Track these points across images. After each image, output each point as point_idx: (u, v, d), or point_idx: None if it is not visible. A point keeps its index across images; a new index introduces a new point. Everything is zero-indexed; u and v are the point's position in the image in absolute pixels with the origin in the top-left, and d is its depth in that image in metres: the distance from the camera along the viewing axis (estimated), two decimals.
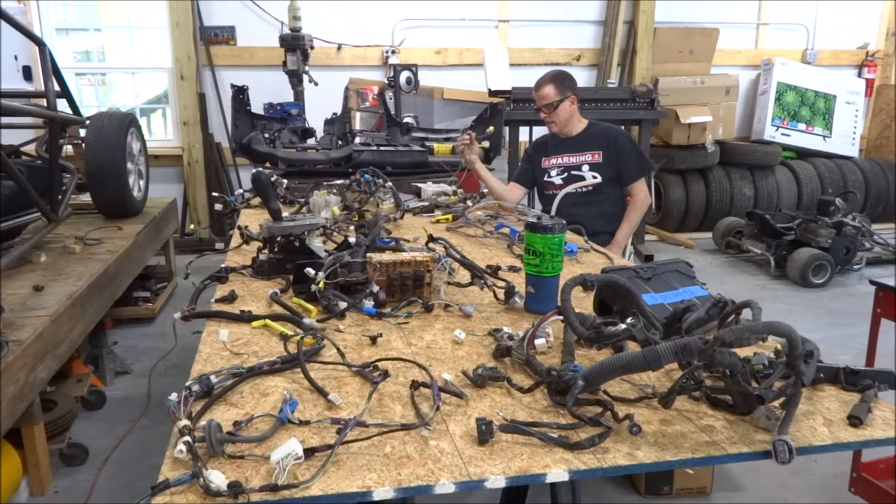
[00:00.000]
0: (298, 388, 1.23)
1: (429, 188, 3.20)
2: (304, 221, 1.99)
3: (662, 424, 1.11)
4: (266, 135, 4.13)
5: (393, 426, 1.07)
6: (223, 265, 1.95)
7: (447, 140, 4.29)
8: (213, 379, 1.18)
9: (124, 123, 3.67)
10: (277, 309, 1.62)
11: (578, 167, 3.15)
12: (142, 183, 4.07)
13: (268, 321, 1.53)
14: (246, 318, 1.55)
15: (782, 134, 7.02)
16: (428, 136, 4.43)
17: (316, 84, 5.51)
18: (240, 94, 4.23)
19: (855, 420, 1.11)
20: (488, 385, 1.24)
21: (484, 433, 1.04)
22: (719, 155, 6.69)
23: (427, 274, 1.71)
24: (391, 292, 1.69)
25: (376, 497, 0.92)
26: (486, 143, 4.20)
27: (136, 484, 2.56)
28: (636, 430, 1.06)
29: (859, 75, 7.62)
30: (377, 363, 1.30)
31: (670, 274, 1.69)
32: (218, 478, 0.90)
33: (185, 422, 1.02)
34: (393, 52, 6.36)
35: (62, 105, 3.41)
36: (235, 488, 0.88)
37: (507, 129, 5.32)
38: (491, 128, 3.92)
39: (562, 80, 3.13)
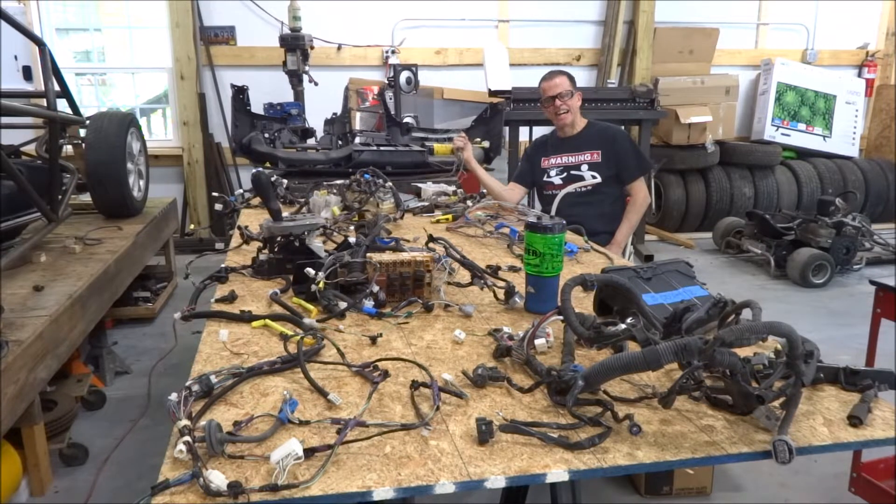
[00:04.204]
0: (298, 388, 1.23)
1: (429, 188, 3.20)
2: (304, 221, 1.99)
3: (662, 424, 1.11)
4: (266, 135, 4.13)
5: (393, 426, 1.07)
6: (223, 265, 1.95)
7: (447, 140, 4.30)
8: (213, 379, 1.18)
9: (124, 123, 3.67)
10: (277, 309, 1.62)
11: (578, 167, 3.15)
12: (142, 183, 4.06)
13: (268, 321, 1.52)
14: (246, 318, 1.55)
15: (782, 134, 7.02)
16: (428, 136, 4.43)
17: (316, 84, 5.51)
18: (240, 94, 4.23)
19: (855, 420, 1.11)
20: (488, 385, 1.24)
21: (484, 433, 1.04)
22: (719, 155, 6.69)
23: (427, 274, 1.71)
24: (391, 292, 1.69)
25: (376, 497, 0.92)
26: (486, 143, 4.21)
27: (136, 484, 2.56)
28: (636, 430, 1.06)
29: (859, 75, 7.62)
30: (377, 363, 1.30)
31: (670, 274, 1.69)
32: (218, 478, 0.90)
33: (185, 422, 1.02)
34: (393, 52, 6.36)
35: (62, 105, 3.41)
36: (235, 488, 0.88)
37: (507, 129, 5.32)
38: (483, 141, 4.01)
39: (571, 76, 3.18)
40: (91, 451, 2.76)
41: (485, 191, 3.27)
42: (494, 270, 1.87)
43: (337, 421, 1.07)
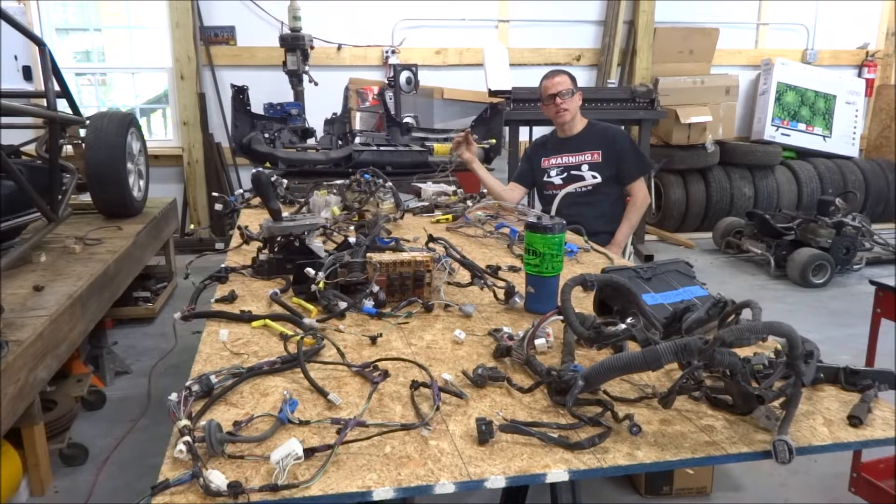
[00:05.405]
0: (298, 388, 1.23)
1: (429, 188, 3.20)
2: (304, 221, 1.99)
3: (662, 424, 1.11)
4: (266, 135, 4.14)
5: (393, 426, 1.07)
6: (223, 265, 1.95)
7: (447, 140, 4.30)
8: (213, 379, 1.18)
9: (124, 123, 3.67)
10: (277, 309, 1.62)
11: (578, 167, 3.15)
12: (142, 183, 4.06)
13: (268, 321, 1.52)
14: (246, 318, 1.55)
15: (782, 134, 7.03)
16: (428, 136, 4.44)
17: (316, 84, 5.51)
18: (240, 94, 4.24)
19: (855, 420, 1.11)
20: (488, 385, 1.24)
21: (484, 433, 1.04)
22: (719, 155, 6.69)
23: (427, 274, 1.71)
24: (391, 292, 1.69)
25: (376, 497, 0.92)
26: (486, 144, 4.21)
27: (136, 484, 2.56)
28: (636, 430, 1.06)
29: (859, 75, 7.62)
30: (377, 363, 1.30)
31: (670, 274, 1.69)
32: (218, 478, 0.90)
33: (185, 422, 1.02)
34: (393, 52, 6.37)
35: (62, 105, 3.41)
36: (235, 488, 0.88)
37: (506, 129, 5.32)
38: (492, 140, 4.01)
39: (572, 76, 3.17)
40: (91, 451, 2.76)
41: (485, 190, 3.27)
42: (494, 270, 1.87)
43: (337, 421, 1.07)
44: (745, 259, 5.86)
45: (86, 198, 3.84)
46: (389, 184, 2.75)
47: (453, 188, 3.24)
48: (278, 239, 1.93)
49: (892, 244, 5.65)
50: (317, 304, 1.64)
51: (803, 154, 7.13)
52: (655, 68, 6.80)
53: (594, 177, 3.12)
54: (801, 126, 7.09)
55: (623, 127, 4.53)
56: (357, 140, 4.29)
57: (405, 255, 1.73)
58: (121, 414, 3.11)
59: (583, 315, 1.41)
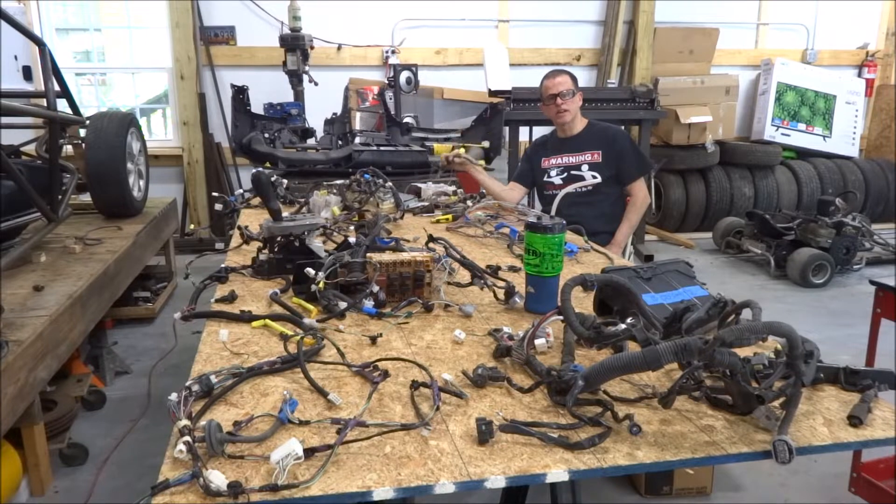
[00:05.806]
0: (298, 388, 1.23)
1: (429, 188, 3.20)
2: (304, 221, 1.99)
3: (662, 424, 1.11)
4: (266, 135, 4.13)
5: (393, 426, 1.07)
6: (223, 265, 1.95)
7: (447, 140, 4.30)
8: (213, 379, 1.18)
9: (124, 123, 3.67)
10: (277, 309, 1.62)
11: (578, 167, 3.15)
12: (142, 183, 4.06)
13: (268, 321, 1.52)
14: (246, 318, 1.55)
15: (782, 134, 7.03)
16: (428, 136, 4.44)
17: (316, 84, 5.51)
18: (240, 94, 4.24)
19: (855, 420, 1.11)
20: (488, 385, 1.24)
21: (484, 433, 1.04)
22: (719, 155, 6.69)
23: (427, 274, 1.71)
24: (391, 292, 1.69)
25: (376, 497, 0.92)
26: (486, 143, 4.21)
27: (136, 484, 2.56)
28: (636, 430, 1.06)
29: (859, 75, 7.62)
30: (377, 363, 1.30)
31: (670, 274, 1.69)
32: (218, 478, 0.90)
33: (185, 422, 1.02)
34: (393, 52, 6.37)
35: (62, 105, 3.41)
36: (235, 488, 0.88)
37: (506, 129, 5.32)
38: (486, 143, 4.03)
39: (574, 76, 3.17)
40: (91, 451, 2.76)
41: (485, 191, 3.27)
42: (494, 270, 1.87)
43: (337, 421, 1.07)
44: (745, 259, 5.86)
45: (86, 198, 3.84)
46: (389, 184, 2.75)
47: (453, 188, 3.24)
48: (278, 239, 1.93)
49: (892, 244, 5.65)
50: (317, 304, 1.64)
51: (803, 154, 7.13)
52: (655, 68, 6.80)
53: (594, 177, 3.12)
54: (801, 126, 7.09)
55: (623, 127, 4.53)
56: (357, 140, 4.29)
57: (405, 255, 1.73)
58: (121, 414, 3.11)
59: (583, 315, 1.41)
